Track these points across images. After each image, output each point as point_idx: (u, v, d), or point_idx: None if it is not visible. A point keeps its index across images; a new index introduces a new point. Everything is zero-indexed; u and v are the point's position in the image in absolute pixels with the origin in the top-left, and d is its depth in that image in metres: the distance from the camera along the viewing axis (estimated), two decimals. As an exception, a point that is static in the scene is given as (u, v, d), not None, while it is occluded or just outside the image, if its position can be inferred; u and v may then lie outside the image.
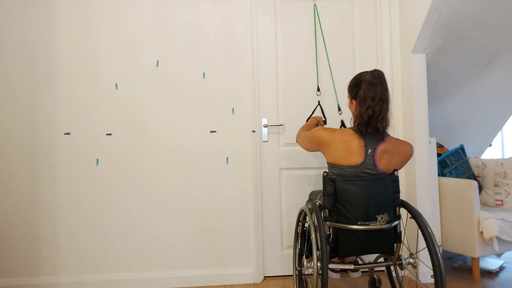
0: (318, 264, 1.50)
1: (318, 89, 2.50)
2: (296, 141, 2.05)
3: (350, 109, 1.78)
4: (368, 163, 1.62)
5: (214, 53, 2.45)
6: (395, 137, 1.70)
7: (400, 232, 1.64)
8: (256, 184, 2.44)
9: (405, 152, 1.69)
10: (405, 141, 1.71)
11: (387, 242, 1.63)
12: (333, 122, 2.52)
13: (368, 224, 1.54)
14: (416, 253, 1.71)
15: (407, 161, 1.73)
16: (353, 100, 1.74)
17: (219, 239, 2.42)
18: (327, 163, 1.75)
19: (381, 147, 1.63)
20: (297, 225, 1.96)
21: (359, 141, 1.63)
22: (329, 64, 2.53)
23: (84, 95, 2.38)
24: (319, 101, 2.49)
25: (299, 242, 1.94)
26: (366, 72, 1.69)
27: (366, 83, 1.64)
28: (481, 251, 2.30)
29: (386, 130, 1.65)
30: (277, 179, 2.51)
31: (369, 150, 1.62)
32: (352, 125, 1.70)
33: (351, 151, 1.62)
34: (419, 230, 1.57)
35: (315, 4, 2.54)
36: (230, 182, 2.44)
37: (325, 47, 2.55)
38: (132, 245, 2.37)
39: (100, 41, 2.40)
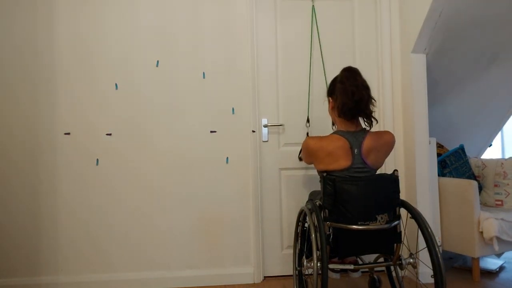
0: (318, 264, 1.49)
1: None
2: (301, 159, 2.11)
3: (331, 114, 1.83)
4: (357, 163, 1.64)
5: (214, 53, 2.45)
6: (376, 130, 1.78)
7: (400, 232, 1.64)
8: (256, 184, 2.44)
9: (389, 141, 1.73)
10: (385, 131, 1.76)
11: (387, 242, 1.63)
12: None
13: (368, 224, 1.54)
14: (416, 253, 1.71)
15: (391, 150, 1.77)
16: (329, 98, 1.80)
17: (219, 239, 2.42)
18: (318, 171, 1.76)
19: (366, 144, 1.66)
20: (297, 225, 1.97)
21: (344, 144, 1.65)
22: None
23: (84, 95, 2.38)
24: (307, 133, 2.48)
25: (299, 242, 1.94)
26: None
27: (343, 76, 1.73)
28: (481, 251, 2.30)
29: (372, 121, 1.71)
30: (277, 179, 2.51)
31: (356, 150, 1.65)
32: (335, 129, 1.76)
33: (338, 155, 1.65)
34: (419, 230, 1.57)
35: (313, 5, 2.54)
36: (230, 182, 2.44)
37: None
38: (132, 245, 2.37)
39: (100, 41, 2.39)
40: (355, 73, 1.73)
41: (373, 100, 1.71)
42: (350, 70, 1.76)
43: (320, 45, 2.54)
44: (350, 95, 1.66)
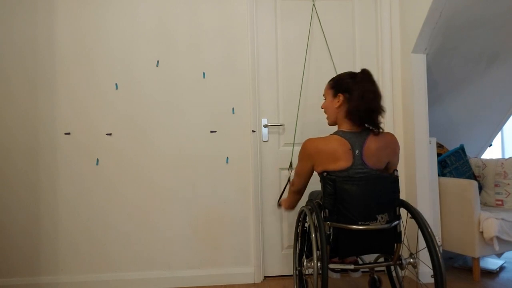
0: (318, 264, 1.49)
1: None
2: (292, 185, 1.90)
3: (329, 108, 1.77)
4: (357, 164, 1.62)
5: (214, 53, 2.45)
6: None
7: (400, 232, 1.64)
8: (256, 184, 2.44)
9: (391, 141, 1.70)
10: (387, 132, 1.71)
11: (387, 242, 1.62)
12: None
13: (368, 224, 1.54)
14: (416, 253, 1.71)
15: (397, 151, 1.72)
16: (340, 94, 1.71)
17: (219, 239, 2.42)
18: (318, 174, 1.74)
19: (367, 146, 1.63)
20: (297, 225, 1.96)
21: (344, 145, 1.63)
22: (333, 64, 2.53)
23: (84, 95, 2.38)
24: None
25: (299, 242, 1.94)
26: (353, 72, 1.74)
27: (363, 79, 1.66)
28: (481, 251, 2.30)
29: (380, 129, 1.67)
30: (277, 179, 2.51)
31: (357, 151, 1.62)
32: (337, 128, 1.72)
33: (337, 156, 1.62)
34: (419, 230, 1.57)
35: (313, 4, 2.54)
36: (230, 182, 2.44)
37: (327, 46, 2.55)
38: (132, 245, 2.37)
39: (100, 41, 2.39)
40: (372, 79, 1.67)
41: (382, 111, 1.65)
42: (369, 74, 1.68)
43: (320, 45, 2.54)
44: (366, 102, 1.61)
